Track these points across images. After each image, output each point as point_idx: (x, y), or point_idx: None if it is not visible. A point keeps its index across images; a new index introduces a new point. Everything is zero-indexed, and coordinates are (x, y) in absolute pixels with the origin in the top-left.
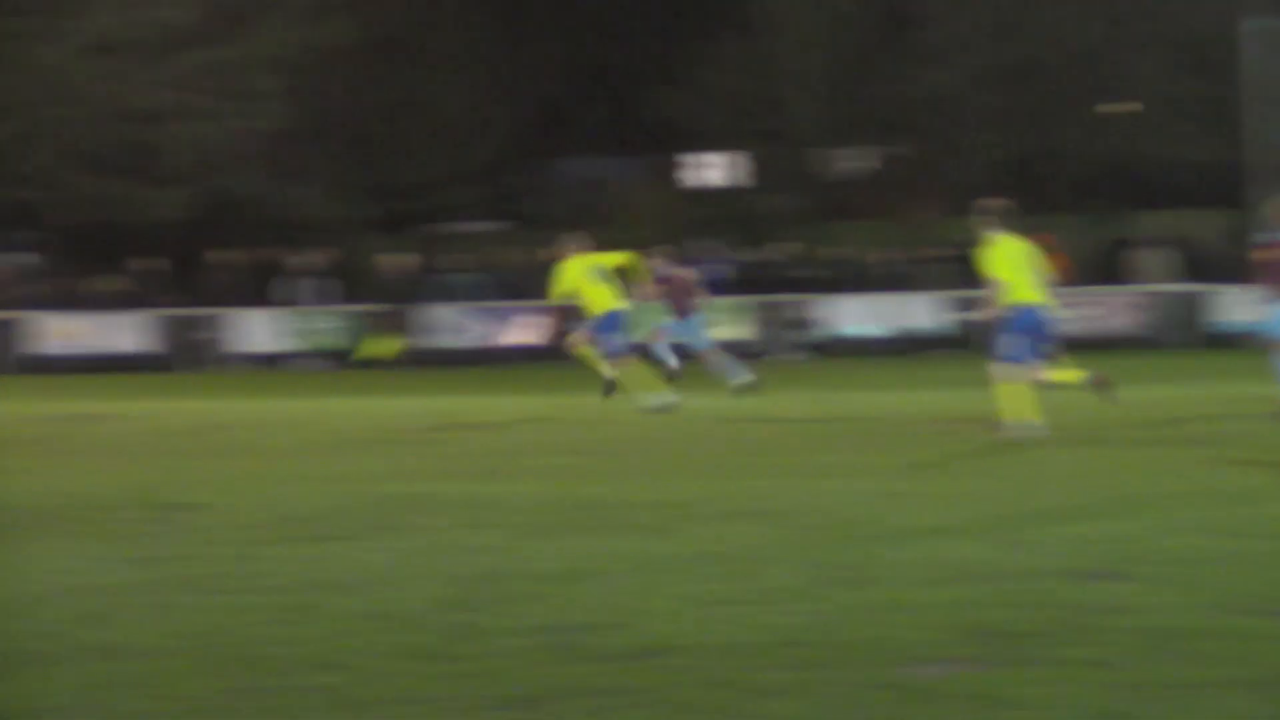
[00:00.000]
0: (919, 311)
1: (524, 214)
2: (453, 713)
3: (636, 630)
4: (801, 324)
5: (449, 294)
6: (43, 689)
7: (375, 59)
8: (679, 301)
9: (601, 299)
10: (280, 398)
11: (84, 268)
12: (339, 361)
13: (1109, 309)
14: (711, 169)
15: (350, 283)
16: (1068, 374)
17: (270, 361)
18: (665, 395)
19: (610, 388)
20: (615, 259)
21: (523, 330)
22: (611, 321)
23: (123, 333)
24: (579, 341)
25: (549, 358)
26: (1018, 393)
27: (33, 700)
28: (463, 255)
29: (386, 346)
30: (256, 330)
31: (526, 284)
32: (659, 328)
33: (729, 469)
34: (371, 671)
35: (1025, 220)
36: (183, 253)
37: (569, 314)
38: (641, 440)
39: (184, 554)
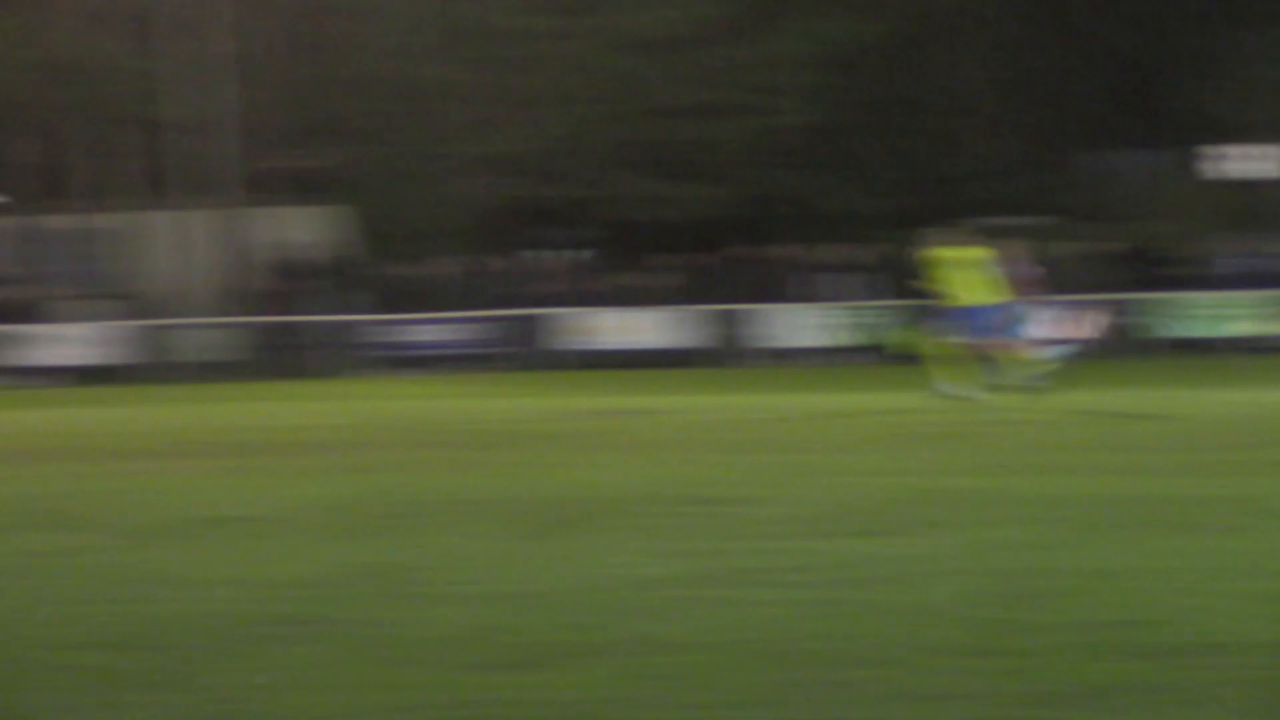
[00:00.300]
0: None
1: (1052, 207)
2: (989, 707)
3: (1177, 627)
4: None
5: None
6: (584, 680)
7: (907, 52)
8: (1018, 294)
9: (964, 292)
10: (821, 393)
11: (627, 264)
12: (876, 356)
13: None
14: (1248, 161)
15: (885, 277)
16: None
17: (806, 356)
18: (974, 390)
19: (1009, 380)
20: (976, 254)
21: (1058, 325)
22: (970, 314)
23: (663, 328)
24: (933, 333)
25: (1091, 353)
26: None
27: (573, 692)
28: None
29: (923, 341)
30: (794, 325)
31: (1059, 279)
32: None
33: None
34: (909, 666)
35: None
36: (721, 248)
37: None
38: (1168, 435)
39: (726, 548)
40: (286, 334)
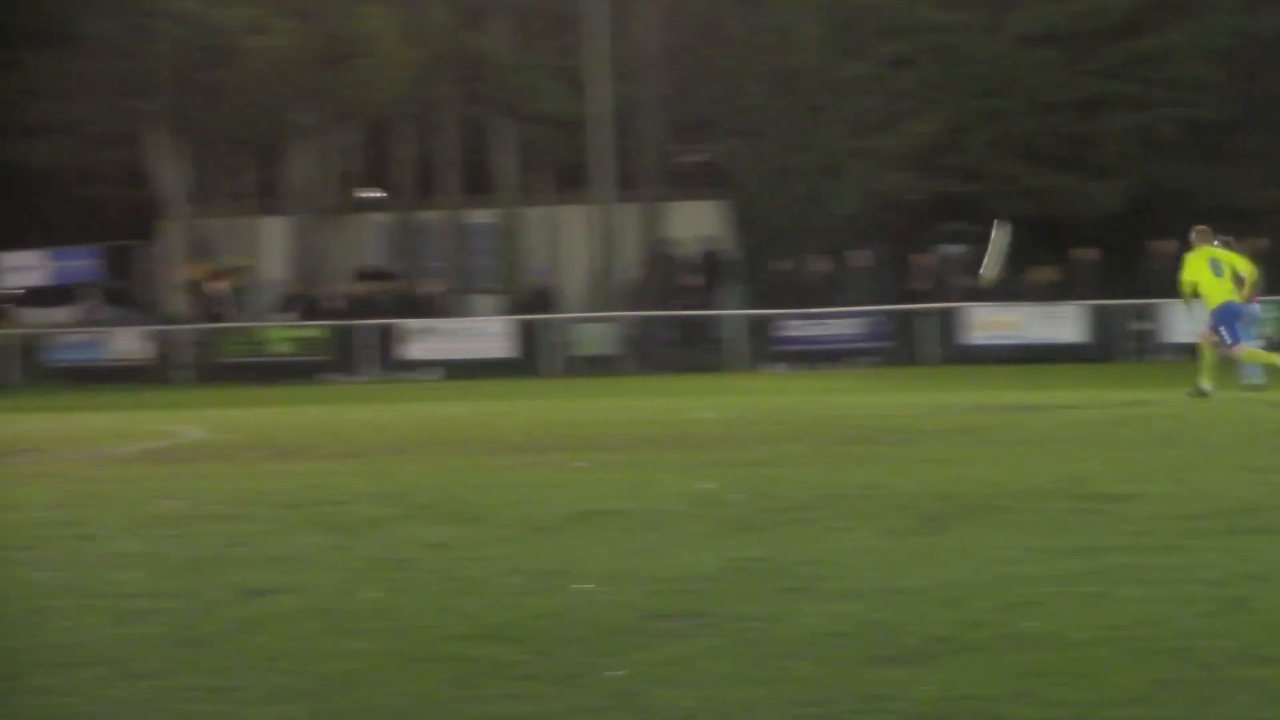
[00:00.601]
0: None
1: None
2: None
3: None
4: None
5: None
6: (970, 676)
7: None
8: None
9: (1217, 292)
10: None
11: (1018, 258)
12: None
13: None
14: None
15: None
16: None
17: (1189, 351)
18: None
19: (1200, 393)
20: (1237, 261)
21: None
22: (1227, 313)
23: (1055, 323)
24: (1207, 336)
25: None
26: None
27: (960, 687)
28: None
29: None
30: (1177, 320)
31: None
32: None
33: None
34: None
35: None
36: (1118, 243)
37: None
38: None
39: (1115, 544)
40: (670, 329)
